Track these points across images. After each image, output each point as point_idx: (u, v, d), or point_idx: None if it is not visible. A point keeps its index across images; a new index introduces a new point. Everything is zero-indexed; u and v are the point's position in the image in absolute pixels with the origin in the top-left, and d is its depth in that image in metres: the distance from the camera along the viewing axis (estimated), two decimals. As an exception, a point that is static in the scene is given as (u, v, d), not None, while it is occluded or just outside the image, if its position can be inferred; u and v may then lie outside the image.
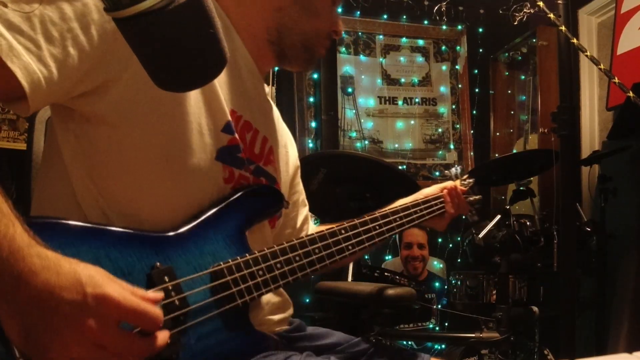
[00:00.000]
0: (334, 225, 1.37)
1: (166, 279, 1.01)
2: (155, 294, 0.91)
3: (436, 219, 1.74)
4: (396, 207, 1.57)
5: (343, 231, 1.37)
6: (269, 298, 1.32)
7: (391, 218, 1.52)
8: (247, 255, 1.16)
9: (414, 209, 1.62)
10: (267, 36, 1.36)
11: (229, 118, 1.23)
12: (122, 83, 1.07)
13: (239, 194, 1.22)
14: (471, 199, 1.86)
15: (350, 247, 1.37)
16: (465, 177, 1.91)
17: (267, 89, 1.49)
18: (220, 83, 1.23)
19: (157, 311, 0.86)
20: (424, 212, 1.66)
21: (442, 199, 1.74)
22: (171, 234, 1.09)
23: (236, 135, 1.25)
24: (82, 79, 1.03)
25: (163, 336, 0.90)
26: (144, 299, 0.86)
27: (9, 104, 1.00)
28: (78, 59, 1.00)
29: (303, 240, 1.27)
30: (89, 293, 0.80)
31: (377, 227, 1.46)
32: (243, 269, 1.14)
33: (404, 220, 1.57)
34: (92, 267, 0.84)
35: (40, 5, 0.96)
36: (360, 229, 1.41)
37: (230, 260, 1.13)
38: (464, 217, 1.94)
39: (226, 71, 1.25)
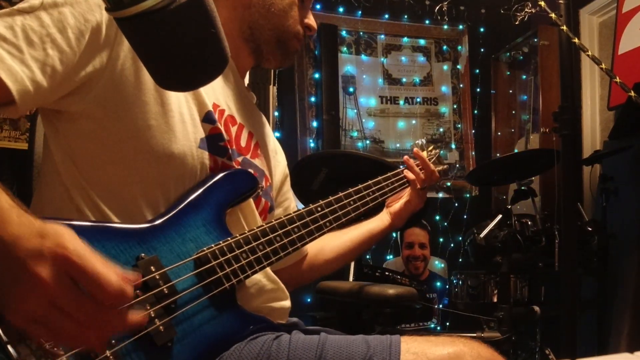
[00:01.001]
0: (310, 205, 1.41)
1: (152, 268, 1.02)
2: (132, 274, 0.85)
3: (411, 193, 1.78)
4: (368, 182, 1.62)
5: (319, 209, 1.41)
6: (262, 285, 1.33)
7: (364, 193, 1.58)
8: (229, 239, 1.18)
9: (385, 182, 1.68)
10: (241, 34, 1.43)
11: (210, 108, 1.27)
12: (104, 78, 1.13)
13: (213, 179, 1.23)
14: (439, 168, 1.89)
15: (327, 224, 1.41)
16: (430, 148, 1.96)
17: (254, 98, 1.54)
18: None
19: (119, 284, 0.77)
20: (395, 184, 1.72)
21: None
22: (152, 224, 1.11)
23: (217, 125, 1.28)
24: (65, 77, 1.08)
25: (136, 316, 0.82)
26: (117, 273, 0.78)
27: None
28: (59, 60, 1.06)
29: (281, 220, 1.30)
30: (46, 244, 0.76)
31: (352, 203, 1.51)
32: (227, 253, 1.16)
33: (377, 193, 1.62)
34: (66, 227, 0.80)
35: (21, 16, 1.04)
36: (336, 205, 1.46)
37: (213, 245, 1.15)
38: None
39: None
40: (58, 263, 0.76)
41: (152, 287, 1.00)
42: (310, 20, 1.50)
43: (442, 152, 5.53)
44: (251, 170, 1.35)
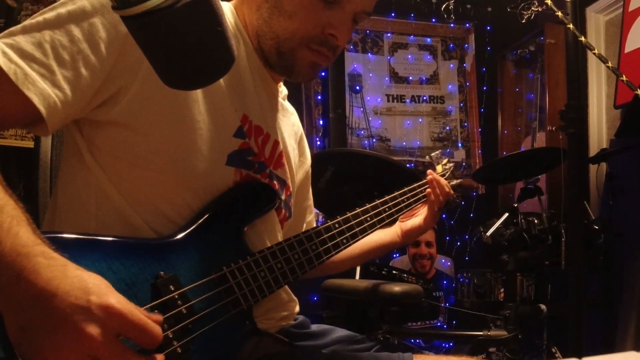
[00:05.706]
0: (328, 221, 1.39)
1: (171, 287, 1.02)
2: (157, 315, 0.89)
3: (428, 213, 1.73)
4: (385, 198, 1.59)
5: (337, 225, 1.39)
6: (279, 299, 1.33)
7: (381, 209, 1.55)
8: (248, 257, 1.17)
9: (400, 198, 1.63)
10: (251, 42, 1.30)
11: (240, 123, 1.24)
12: (132, 91, 1.10)
13: (234, 193, 1.21)
14: (453, 182, 1.86)
15: (345, 241, 1.40)
16: (445, 161, 1.92)
17: (285, 91, 1.49)
18: (230, 87, 1.24)
19: (158, 328, 0.84)
20: (411, 200, 1.67)
21: (427, 185, 1.73)
22: (171, 239, 1.10)
23: (248, 140, 1.26)
24: (95, 94, 1.07)
25: (160, 358, 0.87)
26: (152, 318, 0.85)
27: (28, 127, 1.04)
28: (90, 77, 1.04)
29: (300, 238, 1.28)
30: (93, 301, 0.79)
31: (369, 219, 1.49)
32: (245, 272, 1.15)
33: (393, 210, 1.59)
34: (98, 276, 0.84)
35: (50, 31, 1.01)
36: (353, 222, 1.44)
37: (232, 264, 1.14)
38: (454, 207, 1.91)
39: (236, 76, 1.26)
40: (108, 320, 0.79)
41: (171, 307, 1.00)
42: (337, 25, 1.25)
43: (447, 150, 5.56)
44: (274, 183, 1.34)
